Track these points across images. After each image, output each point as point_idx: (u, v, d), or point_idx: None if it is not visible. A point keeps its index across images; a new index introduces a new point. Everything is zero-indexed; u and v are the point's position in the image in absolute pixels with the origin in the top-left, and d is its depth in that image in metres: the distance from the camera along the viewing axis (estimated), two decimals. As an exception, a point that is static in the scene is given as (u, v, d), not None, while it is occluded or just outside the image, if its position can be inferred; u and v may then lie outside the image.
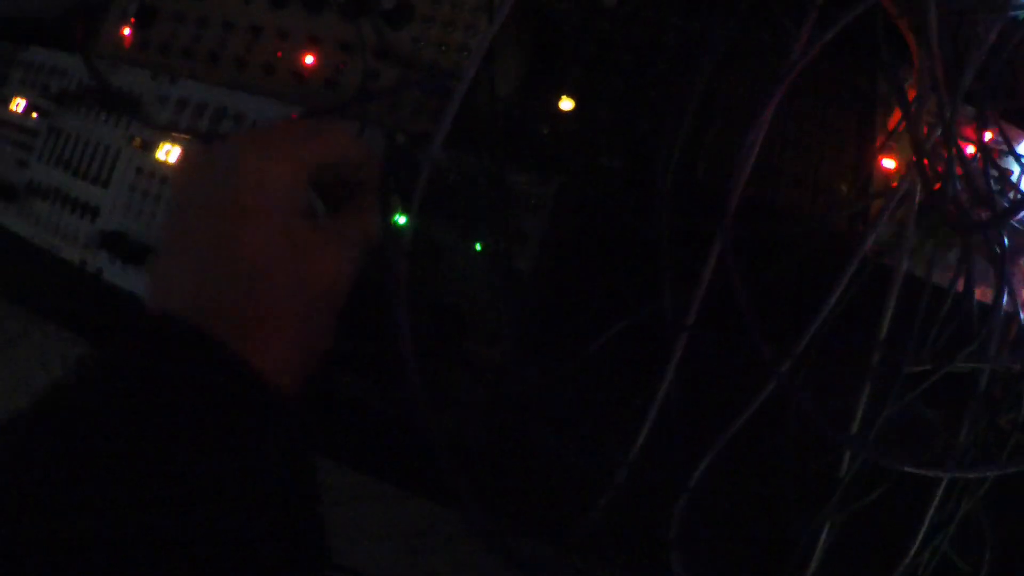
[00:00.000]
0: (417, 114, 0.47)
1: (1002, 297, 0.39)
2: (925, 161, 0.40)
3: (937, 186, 0.43)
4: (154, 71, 0.54)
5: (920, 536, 0.44)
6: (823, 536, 0.44)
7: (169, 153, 0.50)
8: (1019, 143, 0.46)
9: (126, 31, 0.57)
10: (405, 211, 0.39)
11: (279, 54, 0.52)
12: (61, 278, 0.55)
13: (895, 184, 0.48)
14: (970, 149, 0.46)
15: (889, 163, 0.50)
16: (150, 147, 0.51)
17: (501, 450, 0.42)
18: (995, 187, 0.43)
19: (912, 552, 0.44)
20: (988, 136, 0.45)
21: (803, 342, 0.42)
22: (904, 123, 0.49)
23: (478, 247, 0.42)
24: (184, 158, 0.34)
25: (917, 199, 0.43)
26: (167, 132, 0.50)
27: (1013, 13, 0.42)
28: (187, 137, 0.49)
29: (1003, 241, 0.39)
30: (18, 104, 0.59)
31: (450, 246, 0.42)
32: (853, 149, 0.50)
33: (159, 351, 0.26)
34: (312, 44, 0.51)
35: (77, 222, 0.53)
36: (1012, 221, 0.41)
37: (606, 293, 0.43)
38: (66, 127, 0.56)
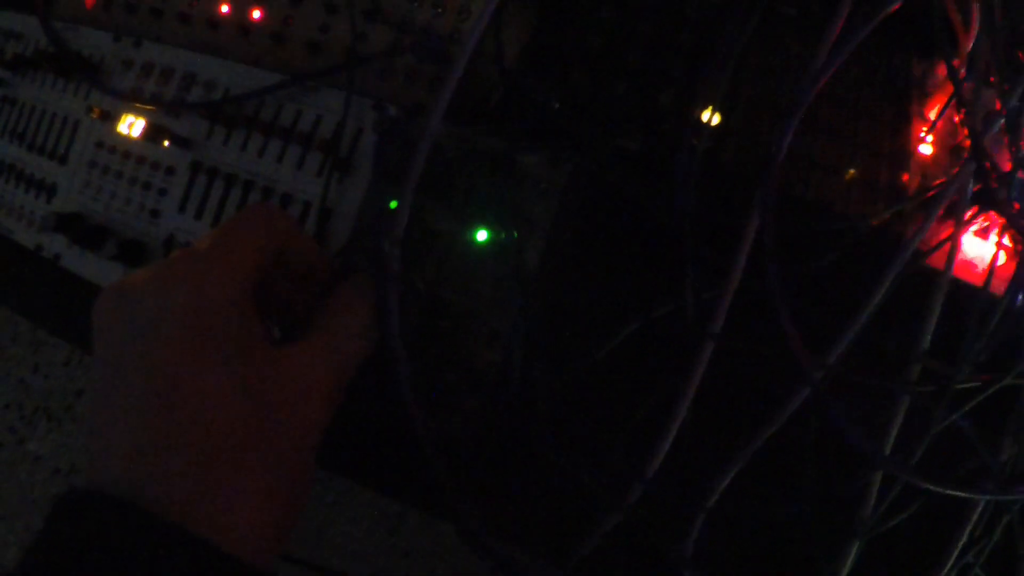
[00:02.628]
0: (410, 84, 0.42)
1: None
2: (987, 165, 0.35)
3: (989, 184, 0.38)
4: (117, 33, 0.48)
5: (952, 559, 0.40)
6: (849, 560, 0.40)
7: (132, 126, 0.44)
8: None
9: (87, -12, 0.51)
10: (397, 194, 0.34)
11: (257, 15, 0.46)
12: (15, 265, 0.49)
13: (938, 182, 0.43)
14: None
15: (926, 149, 0.45)
16: (111, 118, 0.45)
17: (500, 462, 0.38)
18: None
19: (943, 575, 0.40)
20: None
21: (839, 350, 0.37)
22: (947, 112, 0.45)
23: (479, 236, 0.37)
24: (102, 294, 0.26)
25: (969, 197, 0.39)
26: (129, 102, 0.45)
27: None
28: (151, 108, 0.44)
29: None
30: (-32, 70, 0.52)
31: (447, 234, 0.37)
32: (889, 137, 0.45)
33: (104, 543, 0.21)
34: (294, 4, 0.45)
35: (32, 202, 0.48)
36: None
37: (621, 290, 0.38)
38: (20, 96, 0.50)
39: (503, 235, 0.36)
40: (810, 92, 0.34)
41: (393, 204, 0.38)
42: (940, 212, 0.38)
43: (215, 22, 0.47)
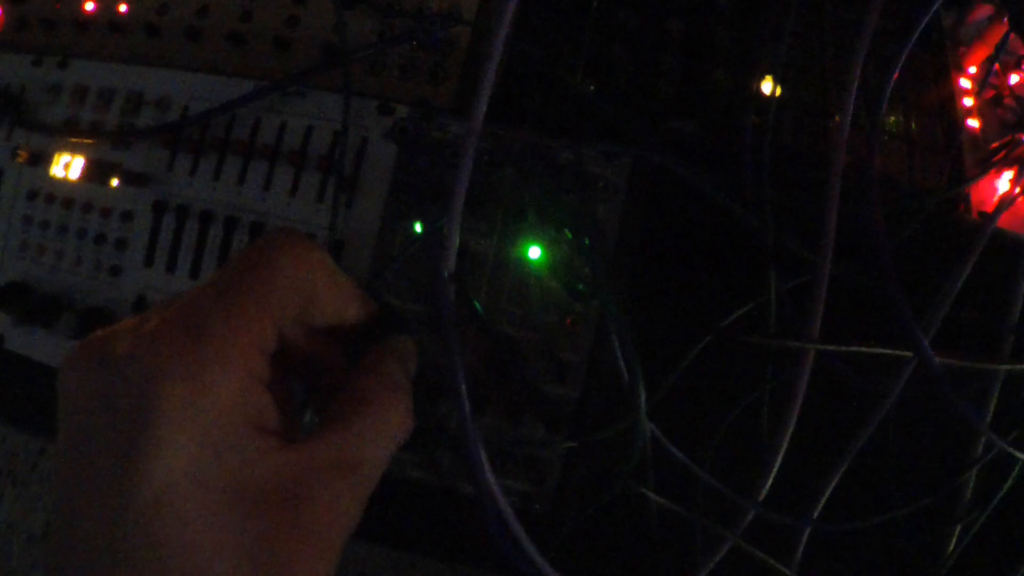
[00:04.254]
0: (406, 77, 0.33)
1: None
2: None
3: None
4: (37, 55, 0.37)
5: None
6: (951, 547, 0.35)
7: (69, 165, 0.34)
8: None
9: (-11, 6, 0.40)
10: (433, 215, 0.26)
11: (205, 10, 0.36)
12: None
13: (996, 145, 0.38)
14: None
15: (967, 101, 0.40)
16: (42, 160, 0.35)
17: (588, 515, 0.30)
18: None
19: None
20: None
21: (932, 330, 0.32)
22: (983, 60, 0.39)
23: (531, 253, 0.29)
24: (72, 356, 0.18)
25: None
26: (63, 137, 0.34)
27: None
28: (91, 141, 0.33)
29: None
30: None
31: (492, 255, 0.29)
32: (932, 91, 0.39)
33: None
34: (250, -4, 0.36)
35: (-44, 272, 0.36)
36: None
37: (698, 295, 0.31)
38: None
39: (562, 244, 0.28)
40: (902, 53, 0.28)
41: (418, 226, 0.29)
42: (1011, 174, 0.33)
43: (155, 28, 0.36)
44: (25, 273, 0.33)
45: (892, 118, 0.37)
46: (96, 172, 0.33)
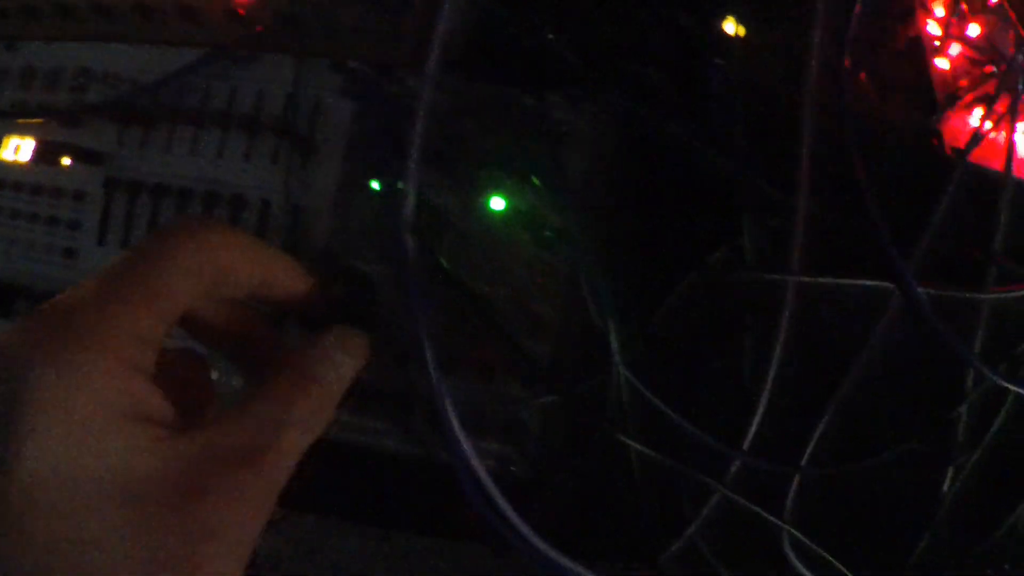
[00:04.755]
0: (362, 38, 0.32)
1: None
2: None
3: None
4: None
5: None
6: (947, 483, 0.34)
7: (19, 148, 0.32)
8: None
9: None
10: (392, 172, 0.25)
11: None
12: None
13: (965, 82, 0.37)
14: None
15: (935, 28, 0.39)
16: (-9, 144, 0.33)
17: (570, 473, 0.29)
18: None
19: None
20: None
21: (914, 262, 0.30)
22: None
23: (494, 204, 0.28)
24: None
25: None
26: (11, 119, 0.33)
27: None
28: (39, 121, 0.32)
29: None
30: None
31: (455, 209, 0.28)
32: (902, 31, 0.38)
33: None
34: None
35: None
36: None
37: (661, 239, 0.30)
38: None
39: (528, 192, 0.27)
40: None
41: (376, 184, 0.28)
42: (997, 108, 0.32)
43: (105, 7, 0.35)
44: (-23, 262, 0.32)
45: (859, 56, 0.36)
46: (46, 153, 0.31)
